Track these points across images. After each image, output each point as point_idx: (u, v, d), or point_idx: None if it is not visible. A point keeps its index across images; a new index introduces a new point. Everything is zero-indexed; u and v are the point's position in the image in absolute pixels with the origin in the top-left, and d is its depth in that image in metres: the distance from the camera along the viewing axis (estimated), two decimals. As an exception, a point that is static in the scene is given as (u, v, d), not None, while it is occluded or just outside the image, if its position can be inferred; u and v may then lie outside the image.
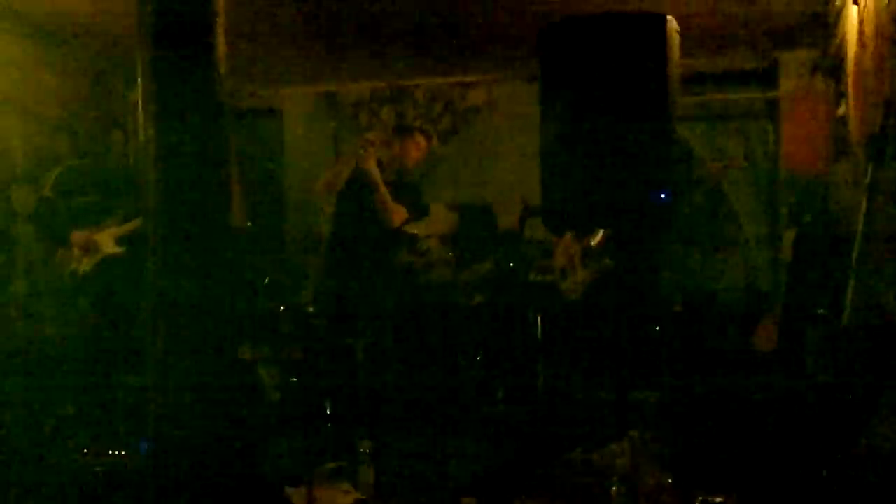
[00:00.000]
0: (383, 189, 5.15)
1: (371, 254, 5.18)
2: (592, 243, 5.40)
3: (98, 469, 3.91)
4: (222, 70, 3.87)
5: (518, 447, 4.28)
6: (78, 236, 5.66)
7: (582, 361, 4.97)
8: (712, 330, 5.47)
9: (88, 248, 5.64)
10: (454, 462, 4.26)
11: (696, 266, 6.98)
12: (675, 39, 4.30)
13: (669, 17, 4.30)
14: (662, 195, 4.17)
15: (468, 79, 7.72)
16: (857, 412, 3.21)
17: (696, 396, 3.73)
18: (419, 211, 5.49)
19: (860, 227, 3.82)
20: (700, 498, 3.29)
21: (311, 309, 5.26)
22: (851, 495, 3.05)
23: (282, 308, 5.78)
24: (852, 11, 5.01)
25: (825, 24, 6.12)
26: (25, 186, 6.17)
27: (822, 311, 3.84)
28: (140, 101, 3.86)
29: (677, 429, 3.56)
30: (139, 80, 3.84)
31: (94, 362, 5.16)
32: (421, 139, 5.48)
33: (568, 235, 5.39)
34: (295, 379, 5.17)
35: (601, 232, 5.26)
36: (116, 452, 3.97)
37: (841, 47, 5.61)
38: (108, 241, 5.65)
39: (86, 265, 5.62)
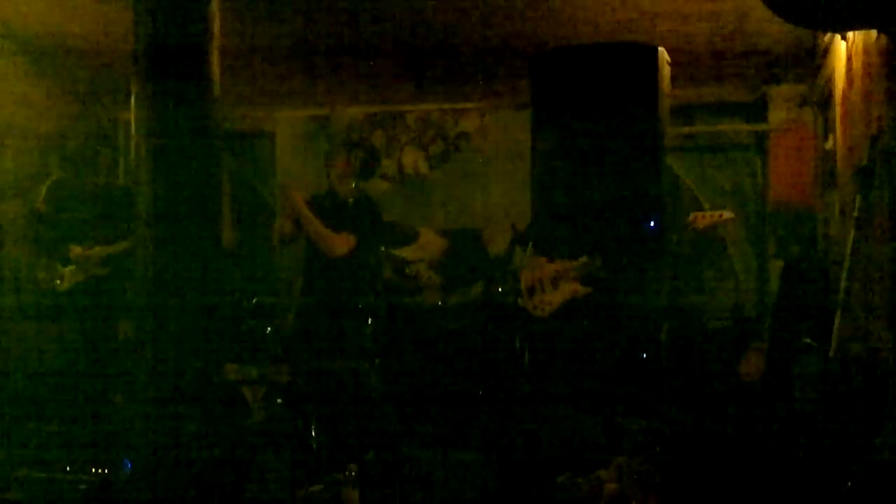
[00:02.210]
0: (309, 220, 4.98)
1: (338, 293, 5.08)
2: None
3: (82, 487, 3.88)
4: (216, 92, 3.91)
5: (506, 471, 4.27)
6: (76, 252, 5.64)
7: (569, 387, 4.97)
8: (700, 359, 5.49)
9: (78, 265, 5.63)
10: (440, 485, 4.25)
11: (684, 295, 7.01)
12: (666, 70, 4.37)
13: (661, 49, 4.37)
14: (652, 224, 4.21)
15: (460, 105, 7.76)
16: (846, 442, 3.23)
17: (684, 423, 3.74)
18: (381, 231, 5.38)
19: (847, 258, 3.85)
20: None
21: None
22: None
23: (268, 329, 5.78)
24: (840, 47, 5.09)
25: (813, 58, 6.21)
26: (13, 201, 6.17)
27: (808, 340, 3.87)
28: (133, 122, 3.88)
29: (665, 455, 3.57)
30: (132, 100, 3.87)
31: (77, 380, 5.13)
32: (351, 156, 5.28)
33: (542, 258, 5.35)
34: (280, 400, 5.15)
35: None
36: (100, 471, 3.94)
37: (829, 82, 5.69)
38: (94, 260, 5.64)
39: (67, 283, 5.61)
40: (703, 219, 5.48)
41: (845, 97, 5.08)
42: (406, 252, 5.70)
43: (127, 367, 3.83)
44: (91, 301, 5.55)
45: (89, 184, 6.10)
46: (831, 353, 3.76)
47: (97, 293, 5.57)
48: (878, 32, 4.09)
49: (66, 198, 5.83)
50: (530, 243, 5.34)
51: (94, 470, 3.95)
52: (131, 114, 3.87)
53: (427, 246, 5.97)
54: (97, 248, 5.69)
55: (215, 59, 3.90)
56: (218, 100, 3.91)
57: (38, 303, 5.72)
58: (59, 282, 5.68)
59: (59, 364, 5.36)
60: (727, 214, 5.60)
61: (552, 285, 5.05)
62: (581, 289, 4.96)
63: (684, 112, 6.72)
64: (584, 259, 4.87)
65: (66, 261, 5.67)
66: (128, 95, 3.90)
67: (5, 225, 6.11)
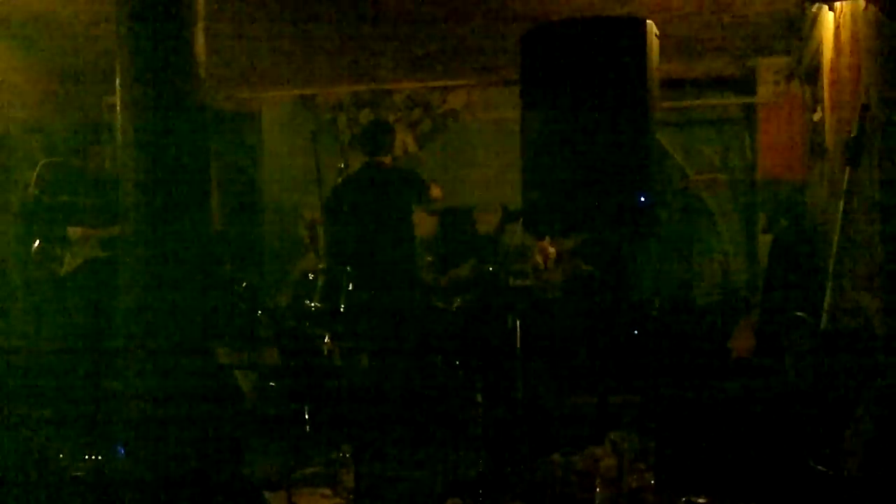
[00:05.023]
0: None
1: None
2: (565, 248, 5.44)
3: (76, 474, 3.87)
4: (201, 73, 3.87)
5: (500, 450, 4.28)
6: (74, 232, 5.58)
7: (562, 364, 4.99)
8: (690, 334, 5.50)
9: (74, 247, 5.57)
10: (434, 465, 4.26)
11: (674, 271, 7.03)
12: (654, 43, 4.33)
13: (649, 21, 4.33)
14: (642, 199, 4.19)
15: (447, 83, 7.73)
16: (837, 414, 3.24)
17: (677, 399, 3.75)
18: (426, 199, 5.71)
19: (837, 230, 3.85)
20: (683, 499, 3.31)
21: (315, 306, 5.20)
22: (832, 493, 3.09)
23: (259, 312, 5.76)
24: (828, 17, 5.06)
25: (800, 30, 6.19)
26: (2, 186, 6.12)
27: (801, 314, 3.87)
28: (118, 104, 3.84)
29: (660, 431, 3.58)
30: (117, 82, 3.82)
31: (73, 365, 5.11)
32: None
33: (546, 238, 5.41)
34: (273, 383, 5.14)
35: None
36: (94, 457, 3.93)
37: (817, 53, 5.67)
38: (92, 243, 5.59)
39: (67, 266, 5.56)
40: (699, 181, 5.52)
41: (833, 68, 5.06)
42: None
43: (120, 352, 3.80)
44: (92, 283, 5.51)
45: (79, 167, 6.03)
46: (822, 327, 3.77)
47: (97, 275, 5.52)
48: (866, 2, 4.07)
49: (57, 181, 5.77)
50: (520, 220, 5.33)
51: (87, 456, 3.94)
52: (116, 96, 3.82)
53: (418, 225, 5.97)
54: (95, 231, 5.64)
55: (200, 39, 3.85)
56: (203, 80, 3.87)
57: (36, 286, 5.67)
58: (57, 265, 5.63)
59: (56, 348, 5.32)
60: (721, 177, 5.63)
61: (555, 264, 5.06)
62: (584, 266, 4.96)
63: (672, 86, 6.69)
64: (585, 235, 4.87)
65: (63, 244, 5.62)
66: (113, 78, 3.85)
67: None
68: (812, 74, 6.05)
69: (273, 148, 8.13)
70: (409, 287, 5.43)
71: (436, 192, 5.65)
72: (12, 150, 6.61)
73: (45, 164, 5.89)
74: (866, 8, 4.08)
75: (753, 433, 3.47)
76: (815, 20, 5.63)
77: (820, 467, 3.14)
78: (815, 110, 5.82)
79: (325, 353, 5.11)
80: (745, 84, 7.19)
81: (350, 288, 5.29)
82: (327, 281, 5.21)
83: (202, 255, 3.89)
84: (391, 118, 7.78)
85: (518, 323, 5.01)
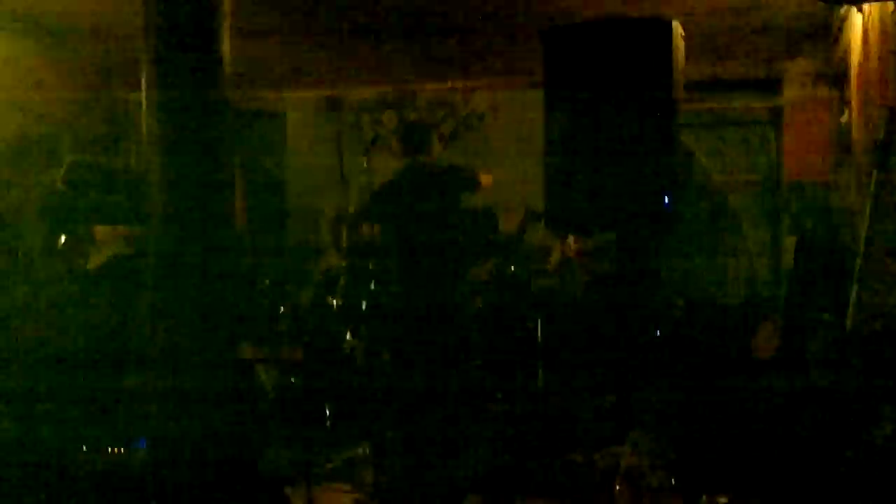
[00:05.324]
0: None
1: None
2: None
3: (98, 468, 3.90)
4: (227, 71, 3.89)
5: (520, 448, 4.28)
6: (101, 231, 5.63)
7: (583, 363, 4.96)
8: (713, 335, 5.47)
9: (100, 244, 5.62)
10: (454, 463, 4.26)
11: (698, 272, 6.98)
12: (680, 44, 4.32)
13: (675, 23, 4.32)
14: (667, 199, 4.18)
15: (471, 83, 7.73)
16: (859, 416, 3.21)
17: (699, 399, 3.73)
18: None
19: (864, 233, 3.82)
20: (705, 498, 3.29)
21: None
22: (852, 495, 3.06)
23: (281, 309, 5.79)
24: (857, 19, 5.02)
25: (828, 32, 6.14)
26: (26, 182, 6.18)
27: (826, 315, 3.84)
28: (144, 102, 3.87)
29: (680, 430, 3.56)
30: (143, 80, 3.85)
31: (95, 360, 5.15)
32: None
33: (570, 237, 5.39)
34: (294, 379, 5.16)
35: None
36: (116, 450, 3.96)
37: (845, 55, 5.63)
38: (118, 239, 5.64)
39: (94, 262, 5.61)
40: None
41: (861, 71, 5.02)
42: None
43: (144, 348, 3.83)
44: (117, 280, 5.55)
45: (106, 165, 6.09)
46: (847, 328, 3.73)
47: (123, 272, 5.56)
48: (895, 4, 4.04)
49: (84, 179, 5.82)
50: (542, 220, 5.33)
51: (109, 450, 3.97)
52: (142, 94, 3.85)
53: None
54: (121, 228, 5.69)
55: (226, 38, 3.87)
56: (228, 79, 3.89)
57: (61, 282, 5.72)
58: (83, 261, 5.68)
59: (80, 344, 5.36)
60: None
61: (578, 264, 5.03)
62: (607, 266, 4.93)
63: (698, 88, 6.66)
64: (608, 235, 4.85)
65: (90, 241, 5.67)
66: (138, 76, 3.88)
67: (24, 206, 6.12)
68: (840, 76, 6.01)
69: (297, 148, 8.16)
70: (459, 288, 5.40)
71: (486, 179, 5.59)
72: (41, 147, 6.69)
73: (72, 161, 5.95)
74: (894, 11, 4.04)
75: (776, 434, 3.44)
76: (843, 22, 5.59)
77: (844, 469, 3.11)
78: (842, 112, 5.77)
79: (347, 350, 5.12)
80: (772, 85, 7.14)
81: (372, 287, 5.31)
82: (350, 279, 5.23)
83: (225, 252, 3.90)
84: (414, 119, 7.78)
85: (539, 323, 4.99)
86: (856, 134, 5.23)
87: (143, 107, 3.85)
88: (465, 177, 5.51)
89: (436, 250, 5.17)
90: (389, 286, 5.29)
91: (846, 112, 5.56)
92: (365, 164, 6.06)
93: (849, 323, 3.69)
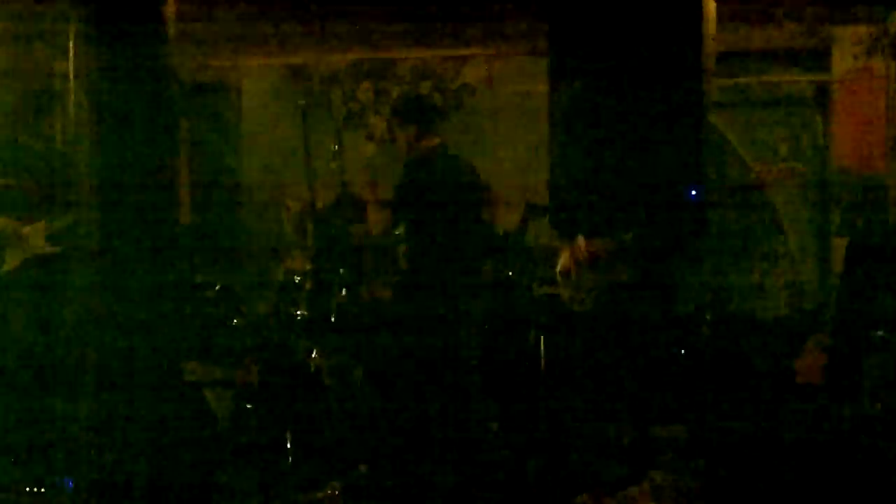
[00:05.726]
0: None
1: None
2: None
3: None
4: (170, 34, 3.89)
5: (518, 489, 4.30)
6: (14, 224, 5.61)
7: (594, 389, 4.99)
8: (750, 355, 5.51)
9: (12, 242, 5.60)
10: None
11: (732, 280, 7.02)
12: (711, 8, 4.34)
13: (705, -18, 4.34)
14: (693, 193, 4.20)
15: (462, 52, 7.74)
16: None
17: (732, 431, 3.75)
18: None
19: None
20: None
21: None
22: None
23: (234, 321, 5.79)
24: (920, -20, 5.05)
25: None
26: None
27: (881, 333, 3.87)
28: (71, 70, 3.87)
29: (709, 469, 3.59)
30: (71, 46, 3.85)
31: (10, 384, 5.13)
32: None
33: (579, 238, 5.41)
34: (250, 405, 5.17)
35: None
36: (37, 491, 3.95)
37: (905, 22, 5.66)
38: (38, 235, 5.62)
39: (9, 263, 5.59)
40: (768, 173, 5.50)
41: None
42: (401, 229, 5.71)
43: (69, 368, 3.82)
44: (36, 285, 5.53)
45: (24, 146, 6.07)
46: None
47: (43, 276, 5.54)
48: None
49: None
50: (546, 217, 5.35)
51: (28, 489, 3.96)
52: (69, 63, 3.85)
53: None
54: (39, 224, 5.67)
55: (170, -4, 3.88)
56: (172, 44, 3.90)
57: None
58: None
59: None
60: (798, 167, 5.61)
61: (590, 268, 5.03)
62: (624, 273, 4.94)
63: (732, 60, 6.69)
64: (625, 235, 4.87)
65: (4, 238, 5.65)
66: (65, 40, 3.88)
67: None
68: (899, 47, 6.04)
69: (254, 127, 8.16)
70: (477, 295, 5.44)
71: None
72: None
73: None
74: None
75: (825, 472, 3.46)
76: (903, -18, 5.62)
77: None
78: (901, 90, 5.82)
79: (312, 369, 5.13)
80: (819, 57, 7.18)
81: (343, 293, 5.30)
82: (316, 285, 5.22)
83: (167, 252, 3.91)
84: (395, 92, 7.79)
85: (542, 339, 5.01)
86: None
87: (71, 76, 3.86)
88: (477, 174, 5.56)
89: (452, 266, 5.20)
90: (382, 294, 5.33)
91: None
92: (335, 147, 6.06)
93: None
